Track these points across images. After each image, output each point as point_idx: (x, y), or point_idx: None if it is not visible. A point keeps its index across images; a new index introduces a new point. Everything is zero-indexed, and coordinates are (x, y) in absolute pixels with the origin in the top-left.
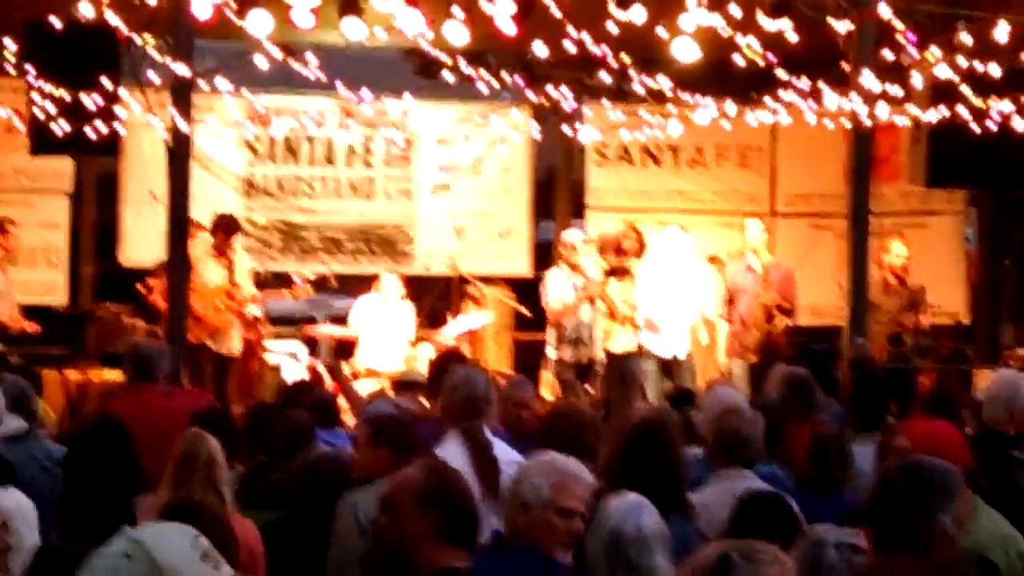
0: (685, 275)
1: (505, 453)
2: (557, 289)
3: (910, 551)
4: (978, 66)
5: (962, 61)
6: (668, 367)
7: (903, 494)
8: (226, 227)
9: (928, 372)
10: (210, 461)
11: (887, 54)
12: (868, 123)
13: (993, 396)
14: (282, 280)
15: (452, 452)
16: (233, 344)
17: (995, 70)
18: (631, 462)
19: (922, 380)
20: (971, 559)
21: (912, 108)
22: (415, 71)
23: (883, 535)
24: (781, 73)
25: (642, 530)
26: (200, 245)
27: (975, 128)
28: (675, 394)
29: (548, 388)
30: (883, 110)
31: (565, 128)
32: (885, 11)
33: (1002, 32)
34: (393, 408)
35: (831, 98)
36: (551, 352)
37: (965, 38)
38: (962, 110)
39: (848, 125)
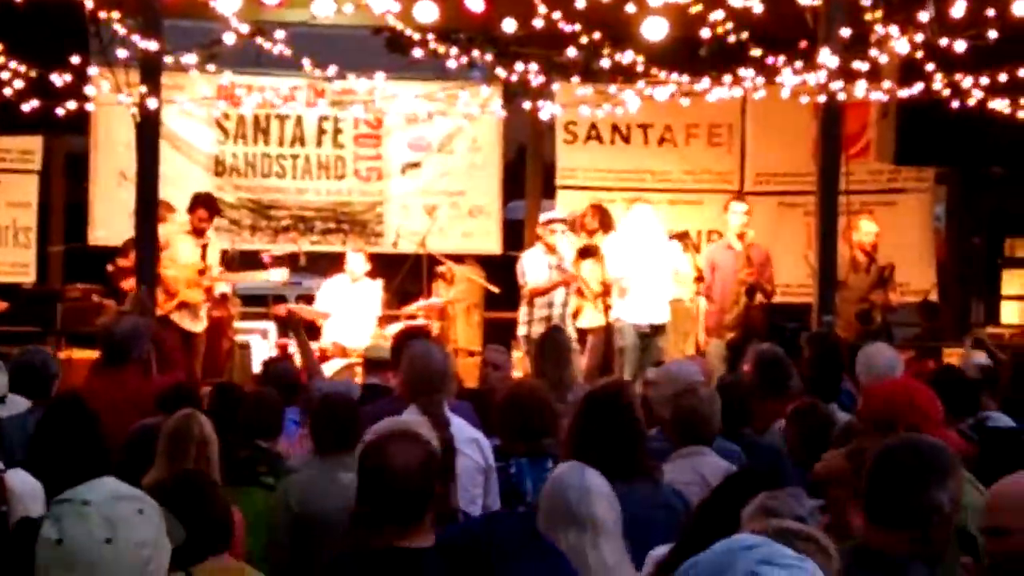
0: (656, 249)
1: (462, 430)
2: (534, 269)
3: (905, 528)
4: (943, 43)
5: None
6: (645, 339)
7: (901, 471)
8: (207, 204)
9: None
10: (203, 439)
11: (852, 30)
12: (839, 98)
13: None
14: (249, 258)
15: (415, 419)
16: (199, 322)
17: (960, 47)
18: (588, 433)
19: None
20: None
21: (881, 86)
22: (384, 49)
23: (878, 510)
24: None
25: (584, 484)
26: (173, 224)
27: (943, 105)
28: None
29: (519, 366)
30: (851, 87)
31: (534, 105)
32: None
33: (960, 9)
34: (348, 387)
35: (799, 75)
36: (522, 329)
37: (929, 15)
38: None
39: (818, 100)
